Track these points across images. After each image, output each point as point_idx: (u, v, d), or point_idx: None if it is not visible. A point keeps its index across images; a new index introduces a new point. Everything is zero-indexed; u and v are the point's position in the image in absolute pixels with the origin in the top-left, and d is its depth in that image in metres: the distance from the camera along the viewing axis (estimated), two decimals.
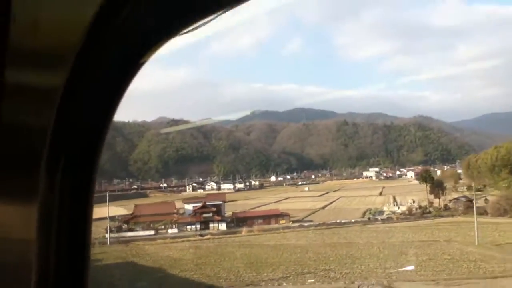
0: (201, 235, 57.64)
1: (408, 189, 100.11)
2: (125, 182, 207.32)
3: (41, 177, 1.40)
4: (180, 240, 54.23)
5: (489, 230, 49.56)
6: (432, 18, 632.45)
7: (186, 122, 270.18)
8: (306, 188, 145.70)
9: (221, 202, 69.24)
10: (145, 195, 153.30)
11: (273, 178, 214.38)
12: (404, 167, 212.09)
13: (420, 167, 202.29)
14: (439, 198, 71.53)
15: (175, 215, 65.14)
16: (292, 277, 34.09)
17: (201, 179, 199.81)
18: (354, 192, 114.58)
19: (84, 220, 1.58)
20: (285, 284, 32.61)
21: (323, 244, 46.76)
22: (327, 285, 32.06)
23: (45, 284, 1.45)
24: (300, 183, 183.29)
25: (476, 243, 42.37)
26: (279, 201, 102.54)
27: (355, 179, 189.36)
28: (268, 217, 66.34)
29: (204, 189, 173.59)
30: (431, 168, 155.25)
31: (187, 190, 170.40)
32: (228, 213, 68.22)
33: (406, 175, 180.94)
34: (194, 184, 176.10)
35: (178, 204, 69.94)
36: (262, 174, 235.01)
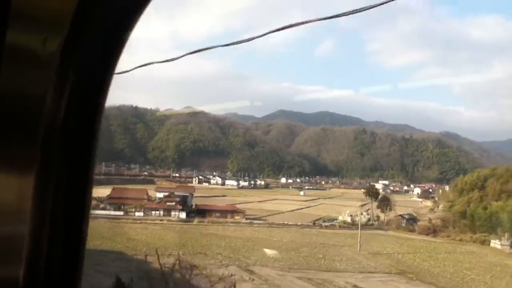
0: (160, 220, 69.16)
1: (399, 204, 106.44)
2: (140, 168, 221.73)
3: (38, 148, 1.41)
4: (139, 222, 65.63)
5: (389, 242, 58.73)
6: (470, 30, 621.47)
7: (206, 114, 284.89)
8: (302, 193, 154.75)
9: (188, 194, 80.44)
10: (152, 182, 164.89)
11: (283, 180, 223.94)
12: (417, 182, 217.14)
13: (429, 185, 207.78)
14: (384, 212, 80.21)
15: (145, 200, 76.79)
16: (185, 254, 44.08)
17: (207, 173, 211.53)
18: (339, 201, 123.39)
19: (82, 195, 1.58)
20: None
21: (242, 237, 57.21)
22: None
23: (38, 256, 1.47)
24: (306, 187, 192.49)
25: (358, 250, 51.70)
26: (263, 201, 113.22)
27: (362, 190, 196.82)
28: (225, 212, 76.02)
29: (209, 182, 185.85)
30: (444, 187, 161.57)
31: (193, 182, 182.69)
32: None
33: (413, 191, 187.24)
34: (200, 177, 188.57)
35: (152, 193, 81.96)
36: (275, 174, 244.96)
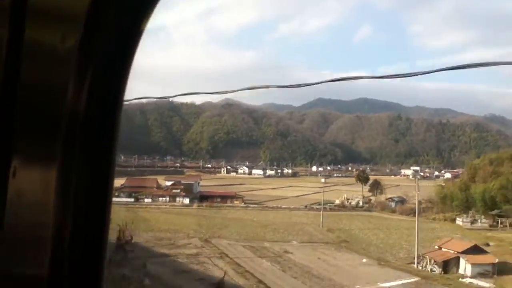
0: (165, 205, 79.38)
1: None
2: (175, 160, 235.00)
3: (60, 141, 1.45)
4: (144, 207, 75.53)
5: (360, 221, 65.74)
6: None
7: (240, 105, 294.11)
8: (323, 180, 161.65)
9: (194, 182, 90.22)
10: (182, 173, 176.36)
11: (314, 168, 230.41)
12: (452, 168, 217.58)
13: (462, 170, 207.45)
14: (375, 196, 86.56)
15: (154, 188, 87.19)
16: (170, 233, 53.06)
17: (237, 163, 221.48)
18: (354, 187, 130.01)
19: (103, 187, 1.60)
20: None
21: (225, 217, 66.07)
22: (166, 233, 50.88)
23: (62, 247, 1.49)
24: (335, 175, 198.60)
25: (320, 226, 59.19)
26: (276, 188, 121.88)
27: (392, 176, 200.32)
28: (225, 197, 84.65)
29: (236, 172, 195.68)
30: None
31: (222, 172, 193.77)
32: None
33: (443, 176, 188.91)
34: (228, 167, 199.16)
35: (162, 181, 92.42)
36: (307, 163, 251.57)
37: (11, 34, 1.36)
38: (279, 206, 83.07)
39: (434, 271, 36.53)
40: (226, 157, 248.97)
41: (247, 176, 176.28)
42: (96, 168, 1.57)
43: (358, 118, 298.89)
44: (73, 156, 1.49)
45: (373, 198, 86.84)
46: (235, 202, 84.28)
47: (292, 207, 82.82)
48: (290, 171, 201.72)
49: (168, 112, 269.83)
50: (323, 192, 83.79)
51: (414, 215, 74.99)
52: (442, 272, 36.07)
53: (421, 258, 39.19)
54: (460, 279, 34.44)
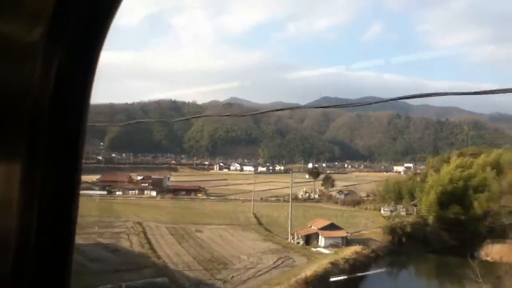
0: (133, 197, 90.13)
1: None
2: (176, 157, 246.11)
3: (24, 137, 1.44)
4: (112, 198, 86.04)
5: (296, 210, 75.20)
6: None
7: (240, 104, 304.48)
8: (307, 176, 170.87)
9: (163, 177, 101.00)
10: (175, 170, 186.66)
11: (310, 165, 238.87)
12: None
13: None
14: (327, 189, 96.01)
15: (126, 182, 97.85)
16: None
17: (231, 161, 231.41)
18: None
19: (70, 183, 1.60)
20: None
21: (173, 206, 76.41)
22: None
23: (27, 246, 1.48)
24: (328, 171, 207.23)
25: (251, 213, 68.72)
26: (251, 183, 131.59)
27: (384, 173, 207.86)
28: (189, 190, 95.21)
29: (228, 169, 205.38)
30: None
31: (215, 169, 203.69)
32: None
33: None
34: (221, 164, 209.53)
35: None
36: (305, 160, 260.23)
37: None
38: (238, 198, 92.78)
39: (299, 243, 46.10)
40: (225, 155, 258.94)
41: (237, 172, 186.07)
42: (63, 164, 1.57)
43: (358, 116, 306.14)
44: (38, 153, 1.49)
45: (325, 191, 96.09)
46: (198, 194, 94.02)
47: (248, 199, 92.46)
48: (282, 168, 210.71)
49: (169, 112, 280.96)
50: (295, 187, 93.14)
51: (355, 206, 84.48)
52: (304, 244, 45.64)
53: (295, 234, 48.78)
54: (312, 249, 43.92)
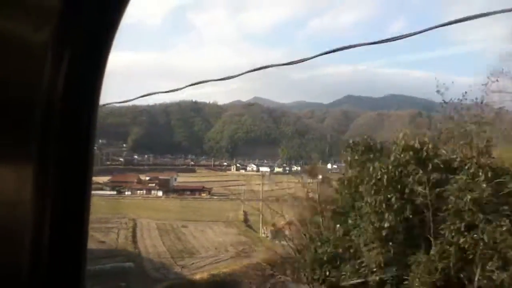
0: (141, 197, 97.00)
1: None
2: (197, 158, 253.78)
3: (36, 137, 1.45)
4: (121, 198, 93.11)
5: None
6: None
7: (260, 105, 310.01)
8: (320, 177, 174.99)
9: (170, 178, 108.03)
10: (193, 171, 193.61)
11: (329, 166, 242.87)
12: None
13: None
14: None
15: (135, 183, 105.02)
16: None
17: (249, 161, 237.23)
18: None
19: (82, 183, 1.61)
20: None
21: (174, 205, 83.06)
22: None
23: (40, 247, 1.48)
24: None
25: (241, 211, 74.75)
26: (258, 184, 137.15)
27: None
28: (194, 190, 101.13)
29: (245, 169, 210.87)
30: None
31: (232, 170, 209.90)
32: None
33: None
34: (238, 165, 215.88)
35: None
36: (324, 160, 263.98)
37: None
38: (239, 198, 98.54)
39: (268, 237, 51.79)
40: (244, 155, 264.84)
41: (253, 173, 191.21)
42: (74, 163, 1.58)
43: (379, 115, 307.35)
44: (49, 153, 1.49)
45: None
46: (202, 194, 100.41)
47: (249, 199, 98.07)
48: (299, 168, 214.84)
49: (190, 113, 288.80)
50: (262, 184, 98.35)
51: None
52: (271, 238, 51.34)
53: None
54: (276, 241, 49.61)
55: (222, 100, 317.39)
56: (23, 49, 1.41)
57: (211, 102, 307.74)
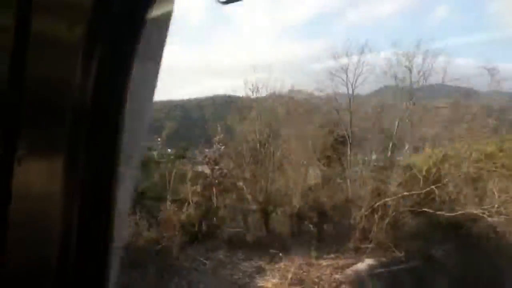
0: None
1: None
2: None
3: (66, 132, 1.49)
4: None
5: None
6: None
7: (292, 97, 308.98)
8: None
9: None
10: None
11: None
12: None
13: None
14: None
15: None
16: None
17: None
18: None
19: (109, 178, 1.65)
20: None
21: None
22: None
23: (68, 237, 1.54)
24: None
25: None
26: None
27: None
28: None
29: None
30: None
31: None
32: None
33: None
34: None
35: None
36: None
37: (18, 24, 1.35)
38: None
39: None
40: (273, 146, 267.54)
41: None
42: (102, 159, 1.63)
43: (416, 106, 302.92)
44: (78, 147, 1.54)
45: None
46: None
47: None
48: None
49: (222, 107, 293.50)
50: None
51: None
52: None
53: None
54: None
55: (258, 93, 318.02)
56: (57, 46, 1.45)
57: (244, 95, 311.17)
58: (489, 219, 23.29)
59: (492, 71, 19.59)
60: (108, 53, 1.57)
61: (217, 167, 30.76)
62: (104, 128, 1.63)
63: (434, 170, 26.49)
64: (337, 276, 23.04)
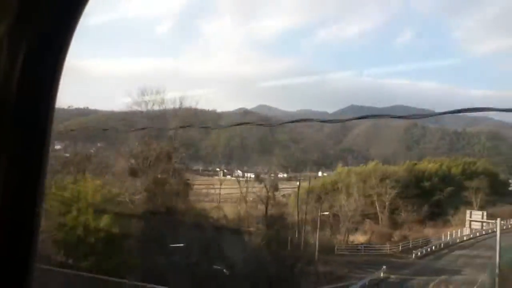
0: None
1: None
2: (191, 165, 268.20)
3: None
4: None
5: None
6: None
7: (256, 113, 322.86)
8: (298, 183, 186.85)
9: None
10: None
11: (320, 173, 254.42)
12: None
13: None
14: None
15: None
16: None
17: (239, 168, 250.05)
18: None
19: (34, 186, 1.57)
20: None
21: None
22: None
23: None
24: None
25: None
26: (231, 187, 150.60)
27: None
28: None
29: (231, 175, 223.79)
30: None
31: (219, 175, 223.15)
32: None
33: None
34: (225, 171, 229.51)
35: None
36: (317, 168, 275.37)
37: None
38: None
39: None
40: (240, 162, 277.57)
41: (233, 178, 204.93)
42: (27, 164, 1.56)
43: (374, 125, 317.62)
44: (2, 147, 1.49)
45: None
46: None
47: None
48: (285, 175, 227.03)
49: (187, 119, 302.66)
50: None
51: None
52: None
53: None
54: None
55: (228, 107, 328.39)
56: None
57: (210, 109, 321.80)
58: None
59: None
60: (34, 55, 1.51)
61: None
62: (30, 132, 1.57)
63: None
64: None
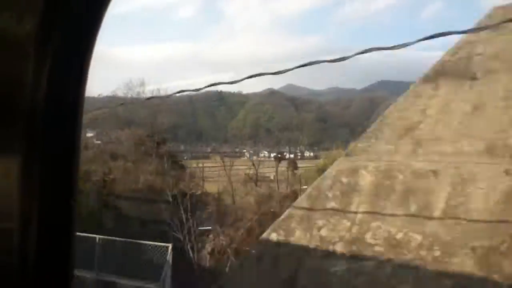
0: None
1: None
2: (220, 146, 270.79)
3: (19, 131, 1.44)
4: None
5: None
6: None
7: (283, 93, 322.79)
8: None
9: None
10: (208, 157, 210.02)
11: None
12: None
13: None
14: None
15: None
16: None
17: (255, 148, 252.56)
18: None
19: (68, 179, 1.59)
20: None
21: None
22: None
23: (28, 246, 1.48)
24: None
25: None
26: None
27: None
28: None
29: (258, 155, 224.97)
30: None
31: (245, 156, 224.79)
32: None
33: None
34: (251, 152, 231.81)
35: None
36: (345, 146, 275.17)
37: None
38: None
39: None
40: (267, 142, 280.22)
41: (264, 159, 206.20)
42: (60, 158, 1.58)
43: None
44: (35, 150, 1.48)
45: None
46: None
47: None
48: (312, 154, 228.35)
49: (214, 103, 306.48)
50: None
51: None
52: None
53: None
54: None
55: (255, 88, 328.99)
56: (5, 41, 1.40)
57: (235, 91, 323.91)
58: None
59: None
60: (63, 49, 1.52)
61: None
62: (61, 128, 1.58)
63: None
64: None
